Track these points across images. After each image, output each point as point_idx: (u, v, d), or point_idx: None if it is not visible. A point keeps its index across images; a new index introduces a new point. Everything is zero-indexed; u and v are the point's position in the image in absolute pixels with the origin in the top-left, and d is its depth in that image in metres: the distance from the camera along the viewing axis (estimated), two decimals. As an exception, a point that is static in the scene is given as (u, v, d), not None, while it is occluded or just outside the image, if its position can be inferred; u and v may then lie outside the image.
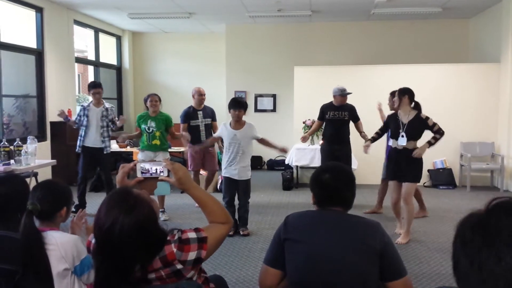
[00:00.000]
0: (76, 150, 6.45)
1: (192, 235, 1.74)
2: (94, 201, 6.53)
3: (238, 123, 5.36)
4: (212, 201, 1.95)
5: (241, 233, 5.42)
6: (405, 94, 5.09)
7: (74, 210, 6.39)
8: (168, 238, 1.71)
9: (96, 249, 1.65)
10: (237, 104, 5.32)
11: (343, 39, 10.10)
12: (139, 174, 1.94)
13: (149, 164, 1.96)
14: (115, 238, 1.57)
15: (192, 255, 1.70)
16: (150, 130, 5.96)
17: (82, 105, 6.63)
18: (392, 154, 5.19)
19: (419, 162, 5.02)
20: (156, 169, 1.94)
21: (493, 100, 8.26)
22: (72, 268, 2.12)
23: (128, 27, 10.97)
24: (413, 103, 5.16)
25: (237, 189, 5.44)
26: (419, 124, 4.99)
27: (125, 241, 1.57)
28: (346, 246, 1.94)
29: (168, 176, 1.92)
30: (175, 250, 1.68)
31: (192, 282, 1.77)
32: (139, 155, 6.21)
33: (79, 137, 6.38)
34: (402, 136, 4.97)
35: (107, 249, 1.60)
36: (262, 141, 5.51)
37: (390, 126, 5.20)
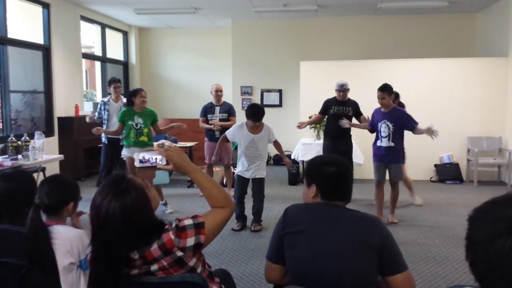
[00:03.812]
0: (102, 140, 6.98)
1: (188, 222, 1.76)
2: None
3: (256, 128, 5.25)
4: (211, 185, 1.94)
5: (252, 228, 5.40)
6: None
7: None
8: (166, 227, 1.75)
9: (91, 233, 1.72)
10: (258, 115, 5.15)
11: (349, 33, 10.07)
12: (137, 164, 1.95)
13: (148, 153, 1.96)
14: (101, 218, 1.65)
15: (190, 241, 1.71)
16: (138, 127, 5.84)
17: (102, 100, 7.06)
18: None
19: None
20: (156, 158, 1.95)
21: (500, 95, 8.21)
22: (77, 262, 2.14)
23: (135, 23, 10.99)
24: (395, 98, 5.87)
25: (249, 186, 5.43)
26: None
27: (110, 223, 1.64)
28: (347, 242, 1.92)
29: (167, 164, 1.92)
30: (173, 237, 1.70)
31: (197, 275, 1.78)
32: (124, 151, 6.07)
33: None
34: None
35: (97, 230, 1.68)
36: (276, 144, 5.46)
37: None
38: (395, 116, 5.48)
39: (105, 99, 6.99)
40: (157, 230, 1.73)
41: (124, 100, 6.76)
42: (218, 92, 7.05)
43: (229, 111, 6.99)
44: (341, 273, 1.89)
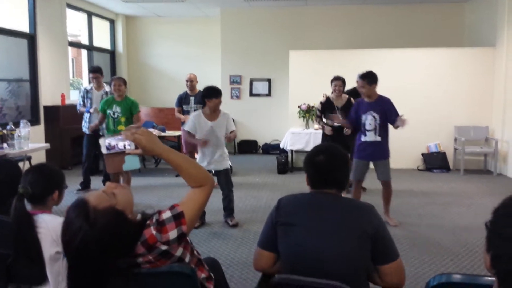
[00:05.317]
0: (83, 130, 6.73)
1: (167, 214, 1.69)
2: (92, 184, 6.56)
3: (214, 113, 4.96)
4: (187, 163, 1.82)
5: (230, 223, 5.12)
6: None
7: (80, 188, 6.48)
8: (148, 222, 1.68)
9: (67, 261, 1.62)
10: (217, 92, 4.91)
11: (338, 23, 10.03)
12: (104, 151, 1.88)
13: (115, 139, 1.88)
14: (74, 253, 1.55)
15: (173, 234, 1.66)
16: (115, 116, 5.79)
17: (85, 88, 6.83)
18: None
19: None
20: (124, 144, 1.86)
21: (487, 84, 8.27)
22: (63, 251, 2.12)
23: (122, 11, 10.85)
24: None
25: (217, 178, 5.10)
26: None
27: (86, 256, 1.54)
28: (339, 230, 1.92)
29: (136, 148, 1.80)
30: (154, 232, 1.64)
31: (185, 265, 1.76)
32: (101, 140, 6.10)
33: (85, 119, 6.71)
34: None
35: (73, 262, 1.58)
36: (231, 133, 5.05)
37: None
38: (382, 105, 4.96)
39: (88, 87, 6.75)
40: (137, 234, 1.65)
41: (107, 88, 6.65)
42: (188, 82, 6.95)
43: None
44: (334, 260, 1.89)
